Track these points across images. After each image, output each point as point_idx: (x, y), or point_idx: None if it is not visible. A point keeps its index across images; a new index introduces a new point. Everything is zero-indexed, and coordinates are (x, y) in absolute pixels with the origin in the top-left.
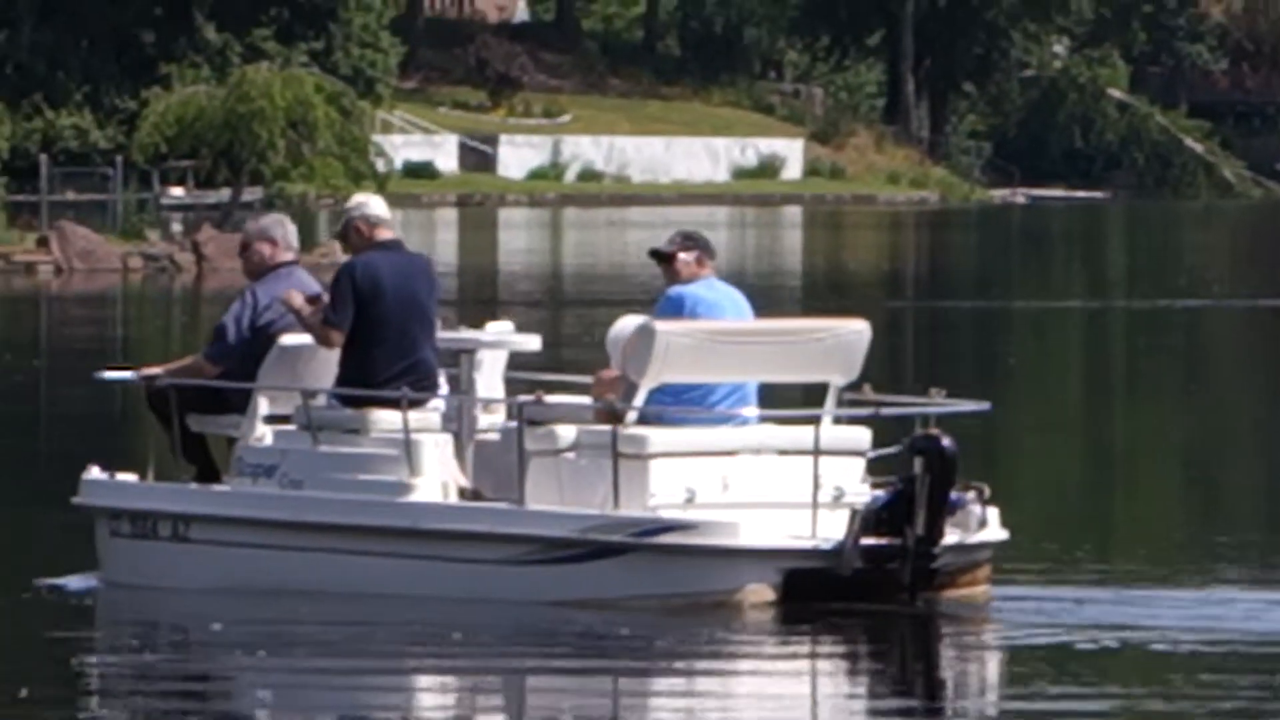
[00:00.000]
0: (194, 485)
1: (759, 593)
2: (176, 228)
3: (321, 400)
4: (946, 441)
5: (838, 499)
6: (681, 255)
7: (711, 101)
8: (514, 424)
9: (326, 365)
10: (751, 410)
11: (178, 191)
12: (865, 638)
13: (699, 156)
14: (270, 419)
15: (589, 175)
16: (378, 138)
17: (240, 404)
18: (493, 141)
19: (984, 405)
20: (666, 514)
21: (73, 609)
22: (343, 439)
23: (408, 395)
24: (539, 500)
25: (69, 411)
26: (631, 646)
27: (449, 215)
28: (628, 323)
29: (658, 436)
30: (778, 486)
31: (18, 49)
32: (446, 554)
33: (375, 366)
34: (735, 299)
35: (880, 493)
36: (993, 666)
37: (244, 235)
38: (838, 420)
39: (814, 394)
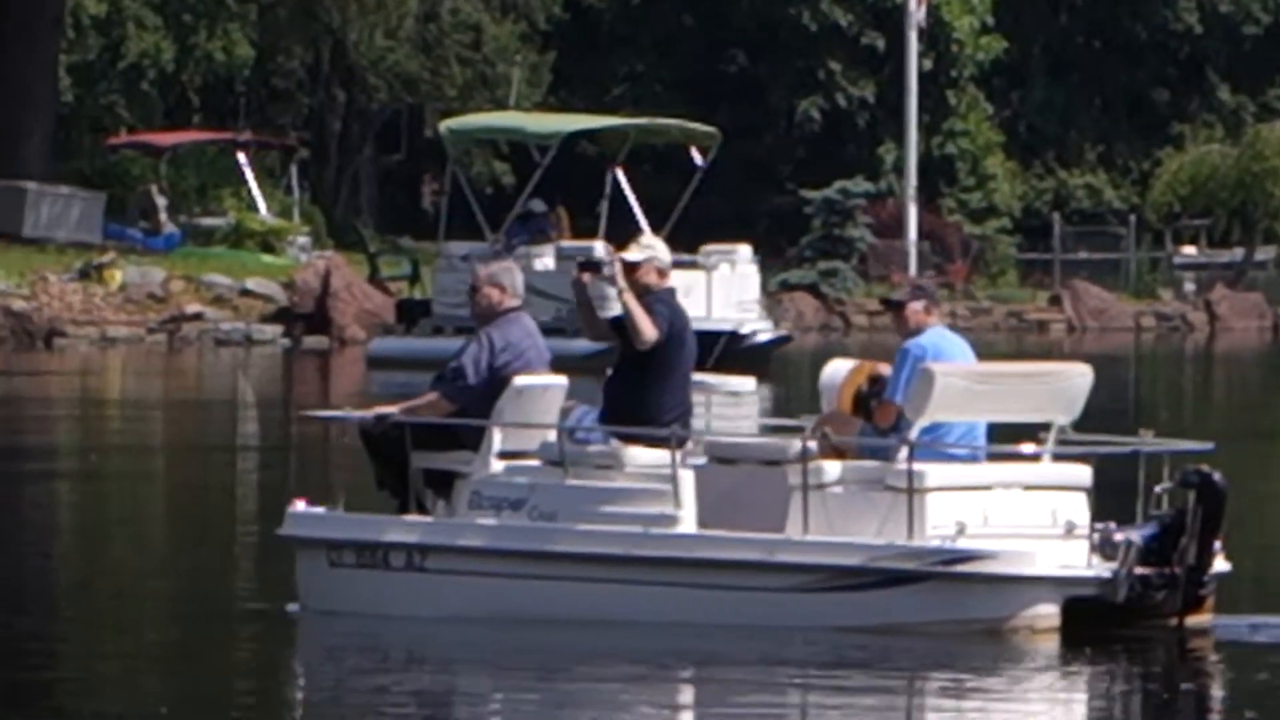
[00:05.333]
0: (426, 518)
1: (1047, 618)
2: (1189, 287)
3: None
4: (1217, 476)
5: (1070, 531)
6: (912, 304)
7: None
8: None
9: (556, 404)
10: (1030, 446)
11: (1190, 250)
12: (1137, 662)
13: None
14: (502, 455)
15: None
16: None
17: (470, 441)
18: None
19: (1207, 445)
20: (950, 545)
21: (280, 635)
22: (594, 474)
23: (677, 434)
24: (800, 530)
25: None
26: (919, 669)
27: None
28: (838, 368)
29: (933, 472)
30: (1026, 519)
31: (1030, 109)
32: (722, 583)
33: (661, 407)
34: (962, 346)
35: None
36: (1227, 690)
37: (473, 280)
38: (1059, 458)
39: (1024, 434)
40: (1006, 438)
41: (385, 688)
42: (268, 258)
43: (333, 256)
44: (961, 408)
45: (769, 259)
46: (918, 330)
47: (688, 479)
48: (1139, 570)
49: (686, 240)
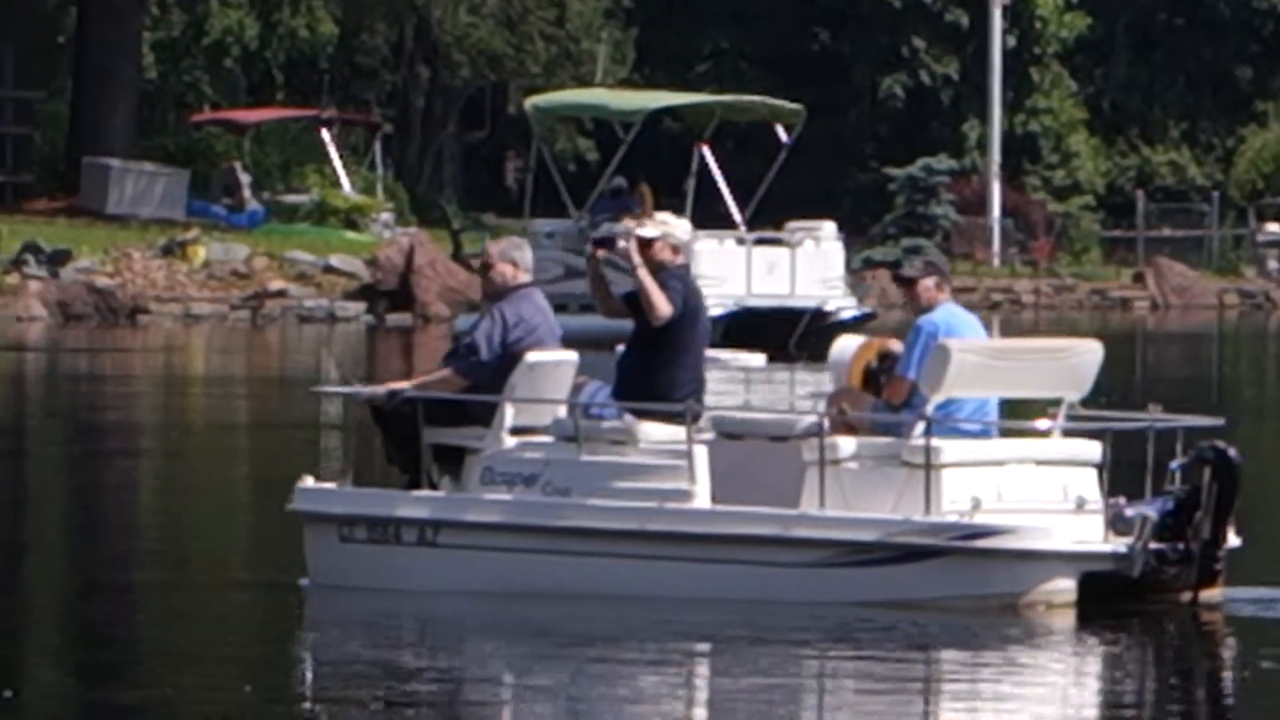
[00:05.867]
0: (439, 493)
1: (1065, 593)
2: (1272, 265)
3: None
4: (1233, 452)
5: (1081, 506)
6: (924, 281)
7: None
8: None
9: (567, 380)
10: (1045, 422)
11: (1273, 228)
12: (1153, 636)
13: None
14: (514, 431)
15: None
16: None
17: (482, 417)
18: None
19: (1218, 420)
20: (969, 520)
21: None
22: (609, 449)
23: (692, 409)
24: (815, 506)
25: None
26: (936, 645)
27: None
28: (847, 344)
29: (950, 447)
30: (1038, 494)
31: (1113, 86)
32: (741, 558)
33: (675, 383)
34: (972, 323)
35: (1160, 499)
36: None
37: (485, 257)
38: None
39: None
40: (1011, 413)
41: (404, 664)
42: (351, 234)
43: (416, 233)
44: (977, 383)
45: (853, 236)
46: (929, 307)
47: (702, 454)
48: (1154, 545)
49: (770, 217)
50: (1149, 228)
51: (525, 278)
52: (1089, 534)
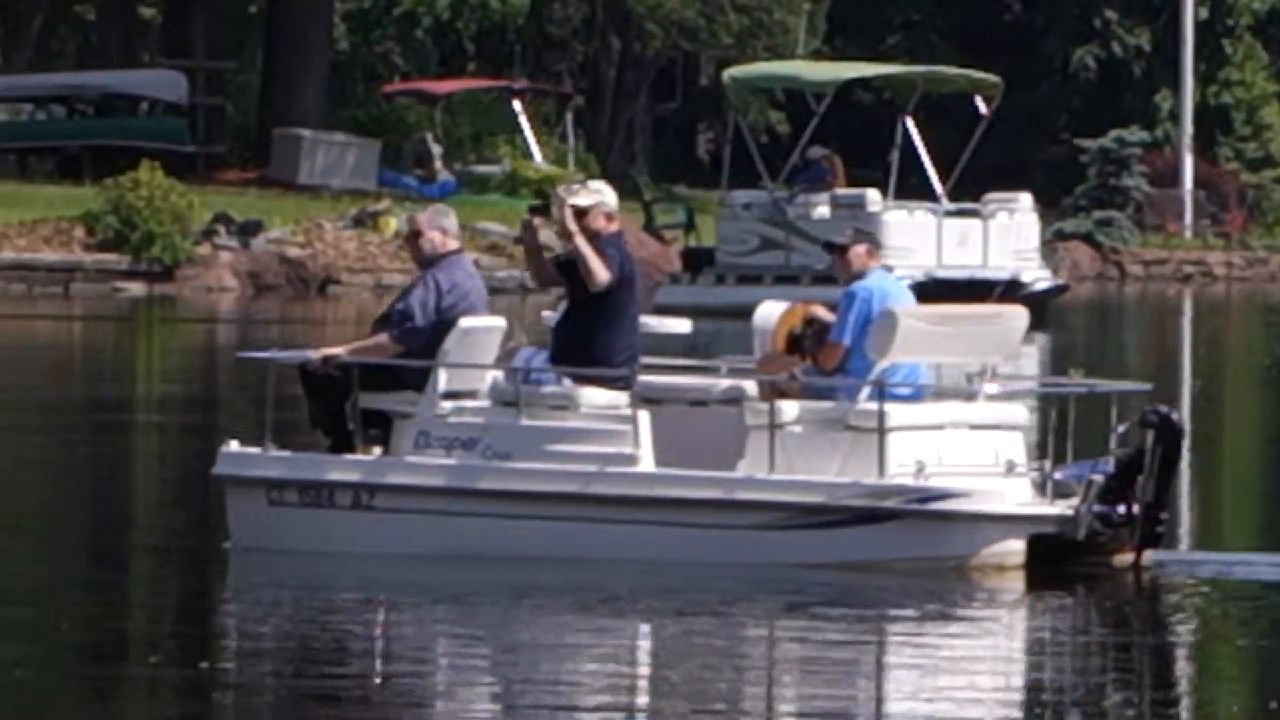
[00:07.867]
0: (372, 456)
1: (1015, 555)
2: None
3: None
4: (1175, 416)
5: (1011, 469)
6: (855, 248)
7: None
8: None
9: (497, 345)
10: (992, 386)
11: None
12: (1099, 597)
13: None
14: (447, 395)
15: None
16: None
17: (415, 382)
18: None
19: (1146, 385)
20: (922, 482)
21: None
22: (550, 414)
23: (634, 373)
24: (759, 470)
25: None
26: (887, 607)
27: None
28: (771, 310)
29: (895, 412)
30: (974, 458)
31: None
32: (690, 521)
33: (612, 349)
34: (903, 290)
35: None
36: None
37: (415, 225)
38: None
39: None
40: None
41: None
42: None
43: None
44: (920, 349)
45: (1045, 208)
46: (861, 273)
47: (645, 419)
48: (1098, 508)
49: (965, 189)
50: None
51: (454, 244)
52: (1025, 496)
